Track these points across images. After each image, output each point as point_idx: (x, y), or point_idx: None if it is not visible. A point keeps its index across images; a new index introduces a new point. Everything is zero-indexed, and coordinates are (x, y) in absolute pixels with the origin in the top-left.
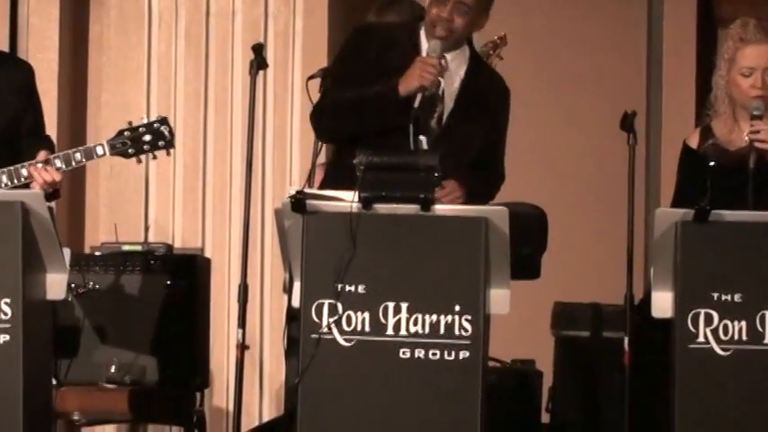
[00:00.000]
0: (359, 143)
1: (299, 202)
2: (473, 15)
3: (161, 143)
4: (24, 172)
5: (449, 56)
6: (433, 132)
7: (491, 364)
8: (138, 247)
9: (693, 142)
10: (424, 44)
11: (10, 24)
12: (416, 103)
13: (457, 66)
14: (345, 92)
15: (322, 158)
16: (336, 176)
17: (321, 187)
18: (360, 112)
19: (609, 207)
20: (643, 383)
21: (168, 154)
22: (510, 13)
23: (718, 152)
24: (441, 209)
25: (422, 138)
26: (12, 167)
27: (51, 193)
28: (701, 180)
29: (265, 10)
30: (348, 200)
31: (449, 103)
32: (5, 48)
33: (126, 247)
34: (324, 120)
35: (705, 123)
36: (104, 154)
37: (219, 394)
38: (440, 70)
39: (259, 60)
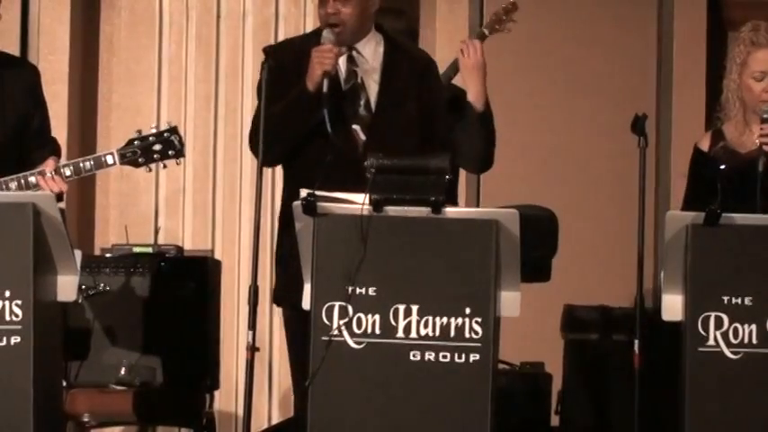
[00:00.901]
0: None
1: (309, 205)
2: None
3: (171, 152)
4: (33, 180)
5: (359, 45)
6: (365, 120)
7: (500, 366)
8: (149, 249)
9: (704, 145)
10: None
11: (21, 25)
12: (325, 88)
13: (372, 51)
14: (269, 111)
15: None
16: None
17: (281, 224)
18: (282, 120)
19: (619, 210)
20: (653, 386)
21: (178, 163)
22: (519, 16)
23: (729, 155)
24: (451, 211)
25: (355, 127)
26: (20, 175)
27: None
28: (712, 183)
29: (276, 11)
30: (359, 202)
31: (374, 89)
32: (16, 48)
33: (136, 249)
34: (264, 138)
35: (716, 126)
36: (114, 163)
37: (229, 396)
38: (336, 53)
39: (270, 62)
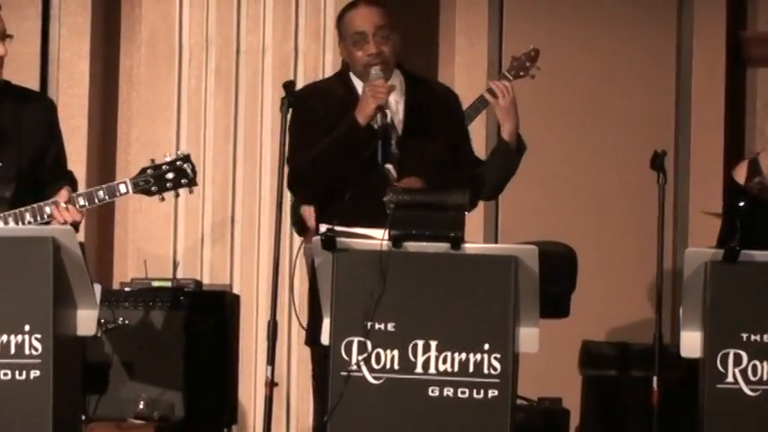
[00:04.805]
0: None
1: (329, 240)
2: (393, 36)
3: (184, 181)
4: (48, 210)
5: None
6: (395, 158)
7: (518, 402)
8: (168, 284)
9: (739, 175)
10: (358, 87)
11: (41, 59)
12: (379, 121)
13: (396, 92)
14: (311, 150)
15: None
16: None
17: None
18: (332, 156)
19: (638, 246)
20: (671, 423)
21: (191, 192)
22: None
23: (763, 189)
24: (471, 247)
25: (388, 166)
26: (35, 205)
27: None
28: (745, 215)
29: (295, 46)
30: (378, 238)
31: (399, 127)
32: (36, 82)
33: (155, 283)
34: (302, 180)
35: (753, 156)
36: (127, 192)
37: (247, 431)
38: (388, 88)
39: (290, 98)
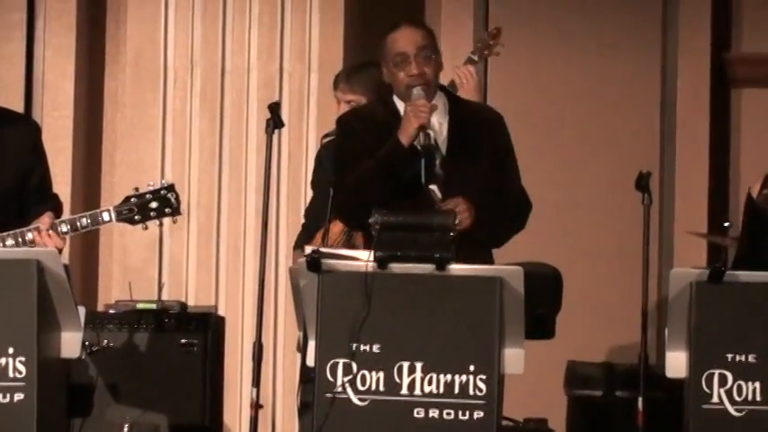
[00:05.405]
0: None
1: (314, 262)
2: (435, 58)
3: (167, 210)
4: (30, 236)
5: None
6: (440, 178)
7: (504, 423)
8: (152, 305)
9: (756, 190)
10: (401, 109)
11: (26, 81)
12: (422, 141)
13: (441, 110)
14: (358, 171)
15: None
16: None
17: None
18: (376, 178)
19: (623, 267)
20: None
21: (174, 221)
22: (523, 72)
23: None
24: (456, 269)
25: (432, 187)
26: (18, 231)
27: None
28: (761, 229)
29: (280, 67)
30: (363, 259)
31: (443, 148)
32: (21, 104)
33: (140, 305)
34: (348, 203)
35: None
36: (110, 220)
37: None
38: (430, 108)
39: (276, 119)
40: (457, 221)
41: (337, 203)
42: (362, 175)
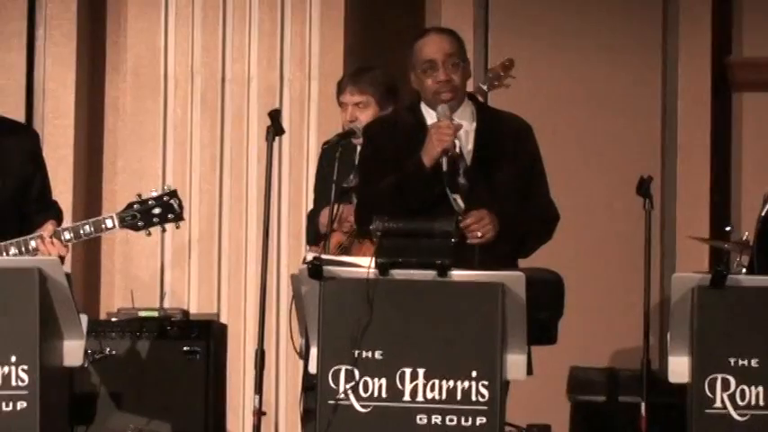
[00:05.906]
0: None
1: (316, 268)
2: (463, 65)
3: (170, 216)
4: (33, 244)
5: (455, 114)
6: (463, 189)
7: (507, 429)
8: (155, 313)
9: None
10: (428, 116)
11: (27, 90)
12: (445, 167)
13: (467, 121)
14: (380, 185)
15: None
16: None
17: None
18: (398, 195)
19: (625, 272)
20: None
21: (177, 227)
22: (525, 77)
23: None
24: (457, 275)
25: (454, 196)
26: (21, 239)
27: None
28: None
29: (281, 75)
30: (365, 266)
31: (468, 157)
32: (22, 113)
33: (142, 313)
34: (369, 216)
35: None
36: (114, 227)
37: None
38: (454, 129)
39: (276, 127)
40: (479, 234)
41: (359, 215)
42: (385, 191)
